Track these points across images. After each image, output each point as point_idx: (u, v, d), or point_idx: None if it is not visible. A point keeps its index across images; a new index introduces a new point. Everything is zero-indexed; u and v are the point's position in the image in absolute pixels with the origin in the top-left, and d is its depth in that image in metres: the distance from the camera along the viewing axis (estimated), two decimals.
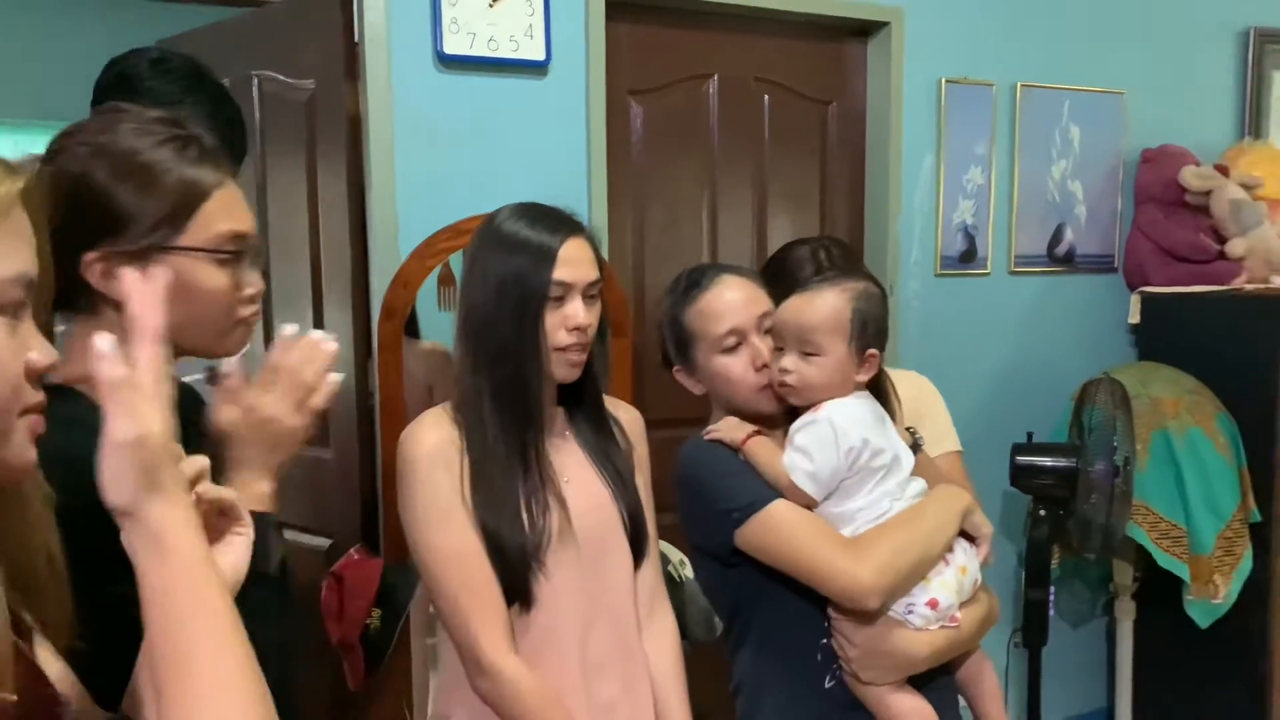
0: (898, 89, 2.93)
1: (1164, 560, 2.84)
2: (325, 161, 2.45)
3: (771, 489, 1.42)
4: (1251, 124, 3.52)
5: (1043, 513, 2.50)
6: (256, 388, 1.13)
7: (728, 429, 1.49)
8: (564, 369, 1.42)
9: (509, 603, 1.42)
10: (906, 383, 1.92)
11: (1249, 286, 3.06)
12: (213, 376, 1.14)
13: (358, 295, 2.41)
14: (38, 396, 0.74)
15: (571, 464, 1.49)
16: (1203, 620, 2.89)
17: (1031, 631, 2.47)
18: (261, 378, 1.14)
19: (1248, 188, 3.18)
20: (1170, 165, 3.24)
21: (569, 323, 1.39)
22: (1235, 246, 3.13)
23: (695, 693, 1.60)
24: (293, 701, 1.10)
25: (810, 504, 1.42)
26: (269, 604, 1.05)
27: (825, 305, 1.43)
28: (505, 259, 1.39)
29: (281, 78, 2.51)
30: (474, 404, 1.42)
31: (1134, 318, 3.26)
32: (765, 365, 1.47)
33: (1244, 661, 2.96)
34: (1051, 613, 2.49)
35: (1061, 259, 3.25)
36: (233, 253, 1.10)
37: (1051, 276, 3.24)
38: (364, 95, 2.34)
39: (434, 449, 1.41)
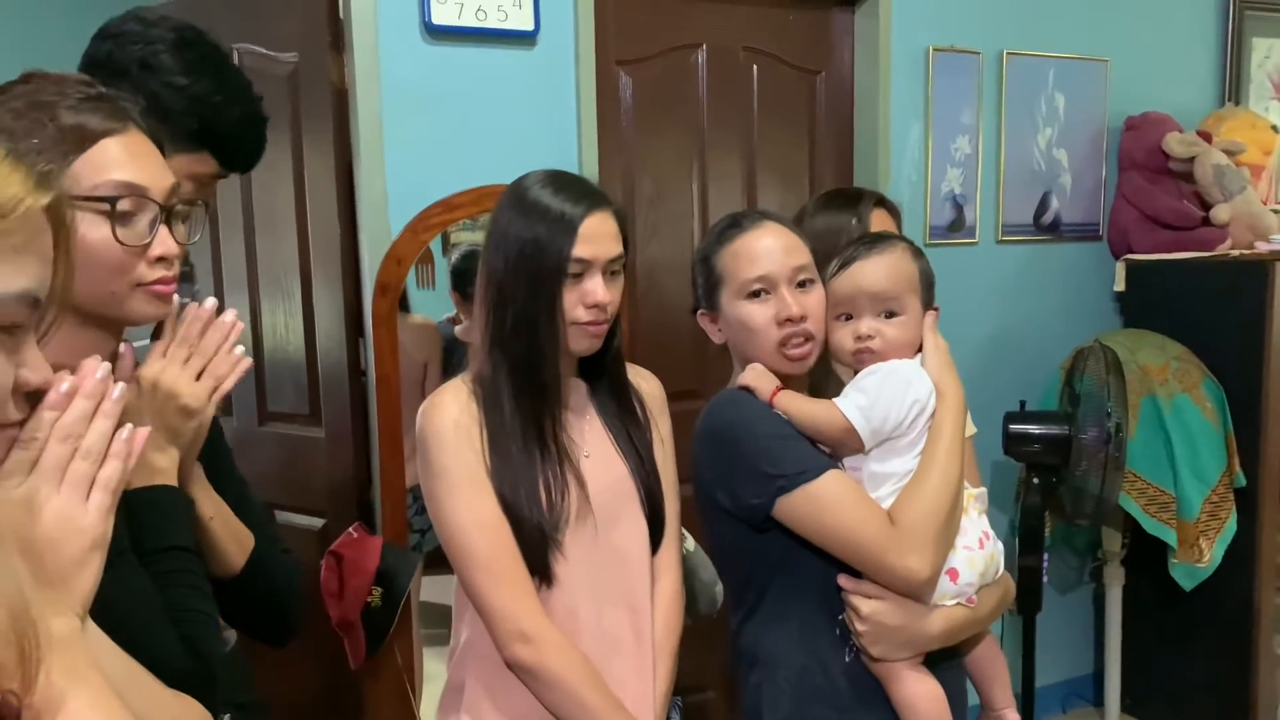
0: (885, 58, 2.92)
1: (1151, 527, 2.87)
2: (310, 136, 2.40)
3: (813, 444, 1.39)
4: (1231, 90, 3.54)
5: (1036, 480, 2.53)
6: (156, 358, 1.10)
7: (755, 377, 1.43)
8: (584, 341, 1.41)
9: None
10: None
11: (1234, 252, 3.08)
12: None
13: (347, 271, 2.37)
14: (20, 414, 0.74)
15: (591, 438, 1.48)
16: (1186, 583, 2.93)
17: (1026, 599, 2.50)
18: (163, 348, 1.11)
19: (1230, 153, 3.19)
20: (1153, 132, 3.24)
21: (587, 299, 1.37)
22: (1220, 212, 3.15)
23: (695, 667, 1.58)
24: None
25: (857, 446, 1.38)
26: (188, 573, 1.07)
27: (900, 264, 1.42)
28: (526, 226, 1.37)
29: (263, 51, 2.45)
30: (491, 378, 1.41)
31: (1119, 285, 3.27)
32: (789, 319, 1.40)
33: (1229, 624, 3.01)
34: (1044, 579, 2.52)
35: (1047, 228, 3.26)
36: (108, 200, 1.02)
37: (1038, 245, 3.25)
38: (350, 67, 2.30)
39: (456, 421, 1.40)
